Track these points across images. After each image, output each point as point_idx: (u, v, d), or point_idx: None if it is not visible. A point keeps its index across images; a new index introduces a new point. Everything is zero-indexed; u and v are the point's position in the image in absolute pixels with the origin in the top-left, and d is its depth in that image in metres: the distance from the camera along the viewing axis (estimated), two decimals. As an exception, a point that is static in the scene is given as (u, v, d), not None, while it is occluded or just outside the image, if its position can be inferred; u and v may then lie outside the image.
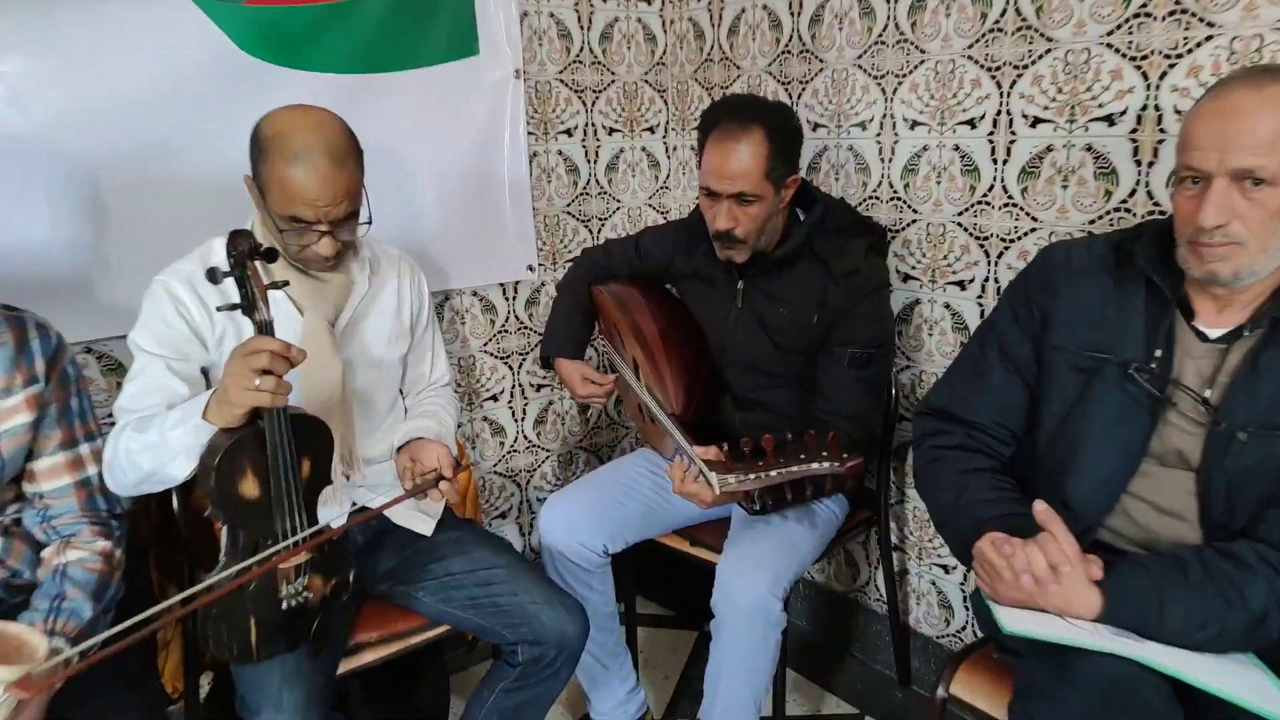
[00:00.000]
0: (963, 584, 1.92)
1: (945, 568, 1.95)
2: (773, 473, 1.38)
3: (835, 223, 1.64)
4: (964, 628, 1.95)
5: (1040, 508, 1.09)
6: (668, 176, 2.43)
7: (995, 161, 1.69)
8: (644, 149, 2.37)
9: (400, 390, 1.70)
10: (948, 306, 1.83)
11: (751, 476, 1.39)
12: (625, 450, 2.57)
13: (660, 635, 2.33)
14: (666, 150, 2.41)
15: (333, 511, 1.48)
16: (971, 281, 1.77)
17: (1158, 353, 1.16)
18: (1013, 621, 1.05)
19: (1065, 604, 1.07)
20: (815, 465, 1.37)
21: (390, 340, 1.59)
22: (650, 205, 2.42)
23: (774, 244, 1.66)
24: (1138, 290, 1.20)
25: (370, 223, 1.39)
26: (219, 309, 1.17)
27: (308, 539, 1.22)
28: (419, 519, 1.59)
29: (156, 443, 1.21)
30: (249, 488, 1.18)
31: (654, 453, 1.89)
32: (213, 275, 1.14)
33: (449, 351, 2.09)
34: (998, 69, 1.65)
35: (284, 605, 1.25)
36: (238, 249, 1.15)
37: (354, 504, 1.54)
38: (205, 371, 1.42)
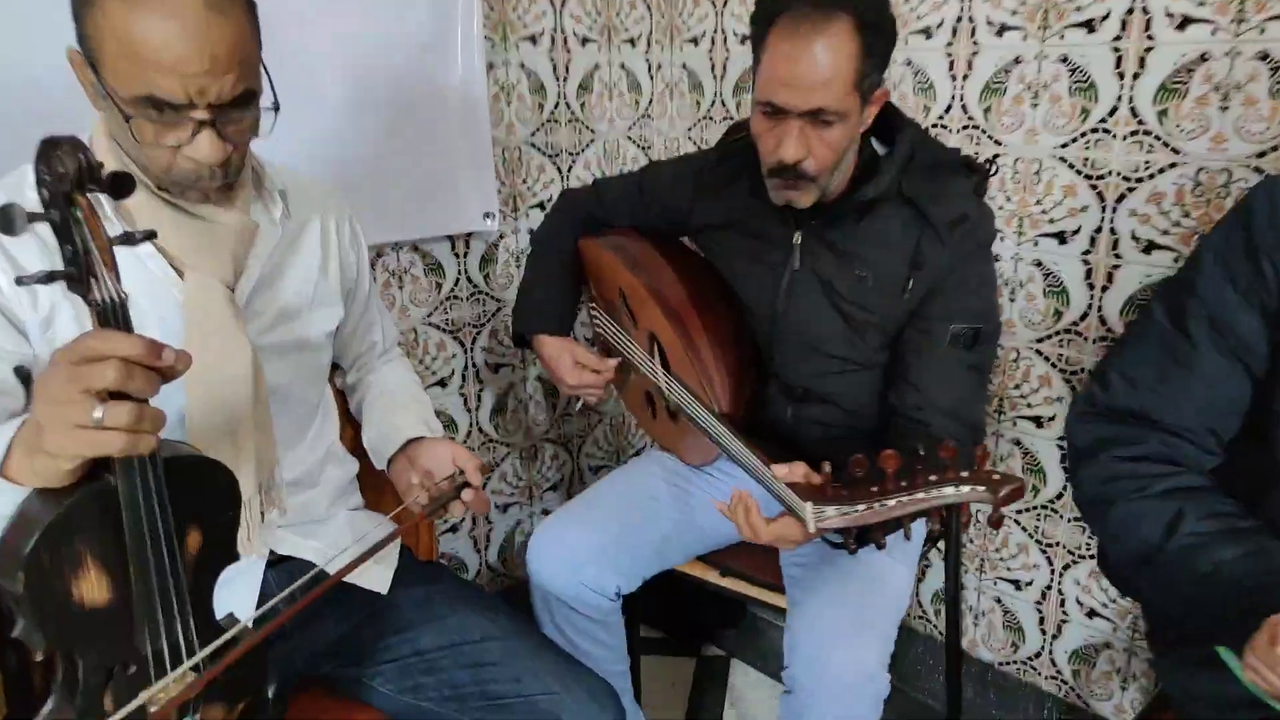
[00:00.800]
0: (1039, 603, 1.58)
1: (1016, 583, 1.60)
2: (890, 502, 0.98)
3: (926, 156, 1.22)
4: (1038, 654, 1.62)
5: None
6: (650, 103, 1.96)
7: (1121, 76, 1.30)
8: (623, 66, 1.89)
9: (338, 366, 1.23)
10: (1039, 264, 1.45)
11: (861, 508, 0.99)
12: (600, 441, 2.12)
13: (653, 665, 1.92)
14: (650, 69, 1.93)
15: (238, 574, 0.99)
16: (1076, 233, 1.40)
17: None
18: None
19: None
20: (951, 490, 0.97)
21: (316, 308, 1.10)
22: (630, 138, 1.95)
23: (845, 183, 1.23)
24: None
25: (277, 108, 0.88)
26: (20, 281, 0.65)
27: (202, 666, 0.73)
28: (368, 569, 1.12)
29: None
30: (92, 589, 0.68)
31: (667, 456, 1.46)
32: (7, 219, 0.62)
33: (385, 326, 1.61)
34: (1132, -49, 1.26)
35: (166, 762, 0.76)
36: (56, 171, 0.64)
37: (271, 555, 1.06)
38: (25, 374, 0.89)
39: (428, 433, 1.14)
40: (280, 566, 1.06)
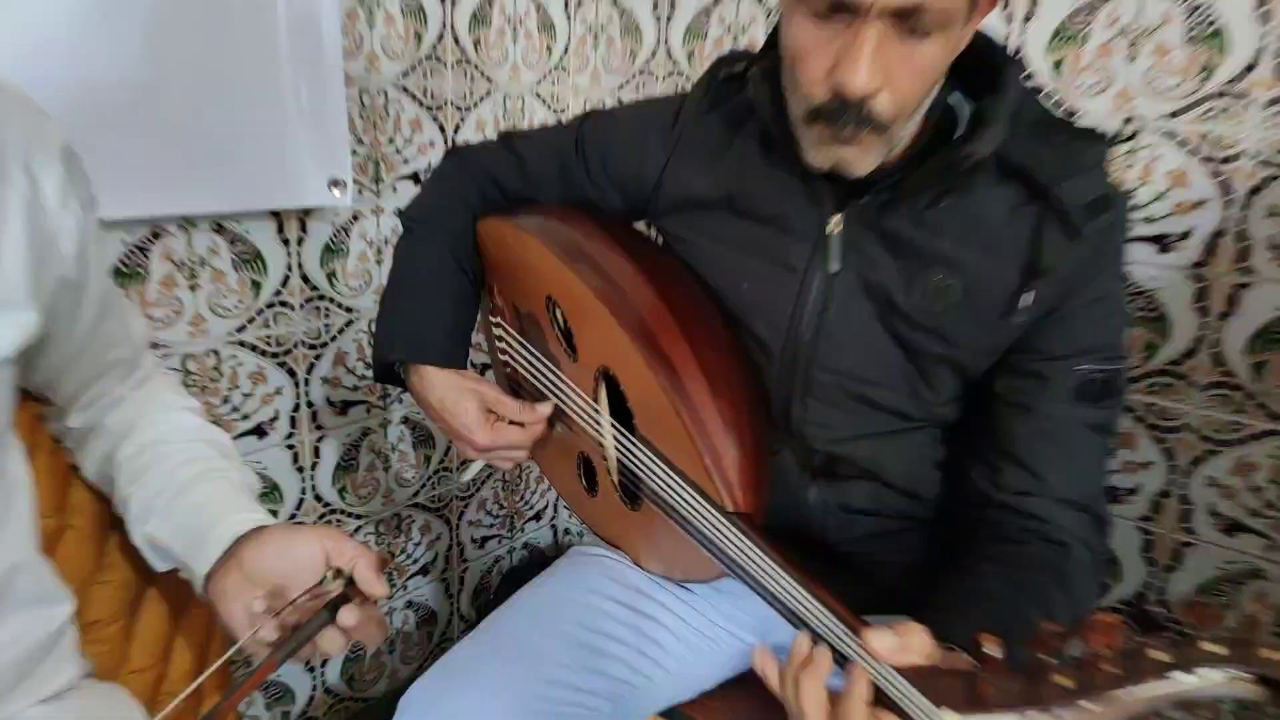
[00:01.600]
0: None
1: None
2: (1094, 707, 0.55)
3: (1033, 110, 0.79)
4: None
5: None
6: (567, 51, 1.46)
7: (1265, 18, 0.93)
8: (533, -4, 1.39)
9: (44, 400, 0.70)
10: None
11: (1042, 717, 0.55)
12: (488, 504, 1.58)
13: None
14: (568, 4, 1.44)
15: None
16: (1185, 237, 1.01)
17: None
18: None
19: None
20: (1193, 681, 0.54)
21: None
22: (538, 95, 1.44)
23: (914, 142, 0.78)
24: None
25: None
26: None
27: None
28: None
29: None
30: None
31: (611, 555, 0.96)
32: None
33: (163, 340, 1.06)
34: None
35: None
36: None
37: None
38: None
39: (268, 517, 0.66)
40: None
